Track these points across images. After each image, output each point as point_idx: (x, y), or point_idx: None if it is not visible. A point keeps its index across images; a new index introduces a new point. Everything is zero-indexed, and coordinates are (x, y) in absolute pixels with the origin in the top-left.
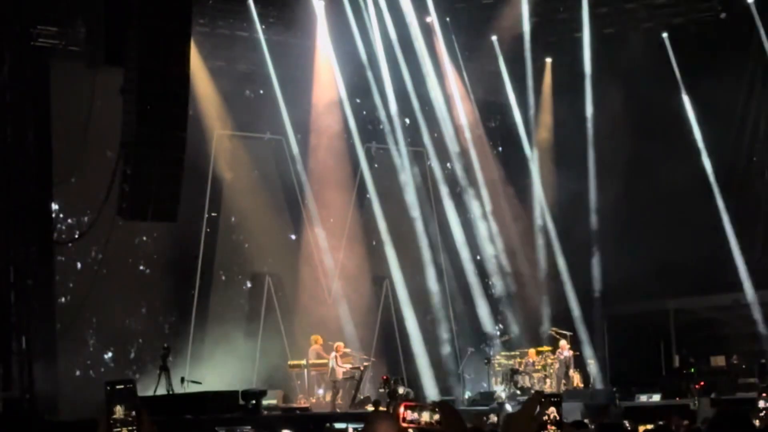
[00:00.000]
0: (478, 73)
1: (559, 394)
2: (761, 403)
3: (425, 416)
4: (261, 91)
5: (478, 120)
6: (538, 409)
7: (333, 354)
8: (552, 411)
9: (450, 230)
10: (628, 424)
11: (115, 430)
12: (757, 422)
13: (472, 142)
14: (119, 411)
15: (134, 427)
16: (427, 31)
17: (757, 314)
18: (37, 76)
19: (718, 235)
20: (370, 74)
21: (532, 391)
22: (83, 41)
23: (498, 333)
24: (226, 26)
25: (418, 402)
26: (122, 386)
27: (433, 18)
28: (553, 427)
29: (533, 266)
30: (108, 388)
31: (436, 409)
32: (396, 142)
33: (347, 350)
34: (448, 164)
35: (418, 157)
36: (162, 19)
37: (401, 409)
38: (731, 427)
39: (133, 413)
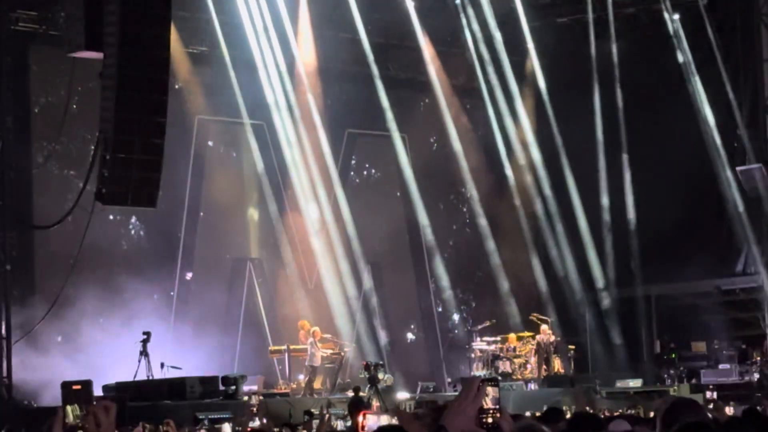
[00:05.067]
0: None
1: (496, 378)
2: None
3: (384, 421)
4: (242, 76)
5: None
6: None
7: (310, 340)
8: (492, 392)
9: (438, 216)
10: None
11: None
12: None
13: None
14: (71, 413)
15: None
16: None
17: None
18: (16, 61)
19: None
20: (353, 59)
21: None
22: (63, 26)
23: (478, 319)
24: (207, 11)
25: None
26: (79, 386)
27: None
28: (494, 407)
29: (515, 251)
30: (63, 388)
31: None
32: (379, 127)
33: (326, 336)
34: (434, 147)
35: (401, 141)
36: (142, 3)
37: (360, 419)
38: (683, 416)
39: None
